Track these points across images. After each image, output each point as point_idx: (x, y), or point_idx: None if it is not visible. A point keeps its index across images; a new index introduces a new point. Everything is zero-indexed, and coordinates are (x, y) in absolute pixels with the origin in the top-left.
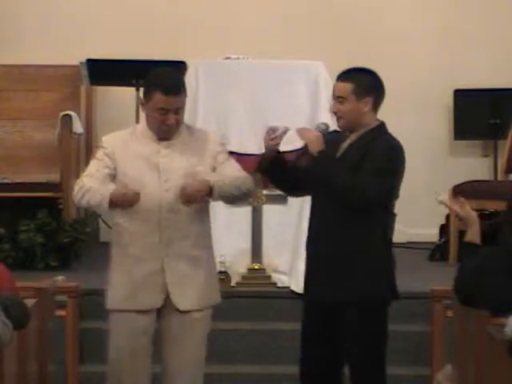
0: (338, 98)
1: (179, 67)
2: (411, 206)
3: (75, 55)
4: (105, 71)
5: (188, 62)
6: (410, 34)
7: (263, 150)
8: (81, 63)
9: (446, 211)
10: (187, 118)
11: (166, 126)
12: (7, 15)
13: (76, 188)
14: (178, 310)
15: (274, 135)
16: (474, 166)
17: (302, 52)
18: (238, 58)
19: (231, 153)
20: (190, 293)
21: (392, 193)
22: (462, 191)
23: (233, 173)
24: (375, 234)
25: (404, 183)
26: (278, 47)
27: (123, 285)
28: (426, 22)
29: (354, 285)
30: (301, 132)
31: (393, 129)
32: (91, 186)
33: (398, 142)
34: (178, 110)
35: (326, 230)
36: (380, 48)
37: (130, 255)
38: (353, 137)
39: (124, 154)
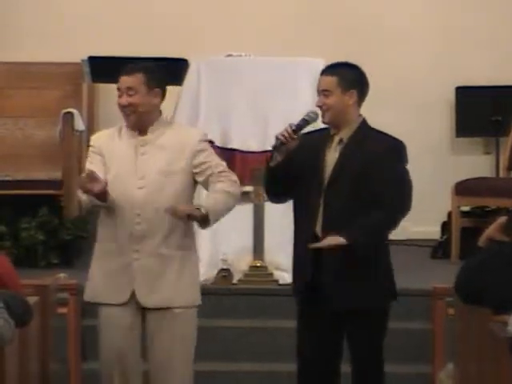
0: (323, 92)
1: (181, 65)
2: (413, 203)
3: (77, 53)
4: (106, 68)
5: (190, 60)
6: (412, 30)
7: (268, 147)
8: (82, 61)
9: (448, 208)
10: (189, 115)
11: (121, 107)
12: (9, 13)
13: None
14: (156, 308)
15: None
16: (476, 163)
17: (303, 49)
18: (240, 56)
19: (233, 150)
20: (156, 291)
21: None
22: (463, 188)
23: (221, 185)
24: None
25: None
26: (279, 44)
27: (97, 278)
28: (427, 20)
29: (363, 291)
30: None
31: (394, 126)
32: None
33: (399, 140)
34: (129, 91)
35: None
36: (381, 45)
37: (106, 249)
38: (343, 135)
39: (109, 151)
